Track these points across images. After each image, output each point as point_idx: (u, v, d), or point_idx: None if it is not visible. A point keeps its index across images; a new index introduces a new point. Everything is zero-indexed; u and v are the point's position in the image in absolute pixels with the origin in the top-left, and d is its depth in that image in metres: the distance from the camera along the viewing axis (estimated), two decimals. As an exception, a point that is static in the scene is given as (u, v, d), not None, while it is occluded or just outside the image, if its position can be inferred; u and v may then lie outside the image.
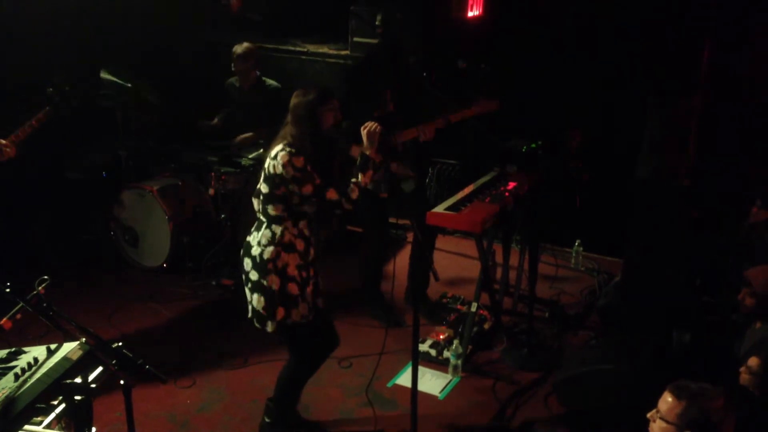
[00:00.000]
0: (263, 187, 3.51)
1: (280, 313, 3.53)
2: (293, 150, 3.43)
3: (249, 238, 3.60)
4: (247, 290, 3.61)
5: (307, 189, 3.43)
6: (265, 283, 3.51)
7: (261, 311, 3.56)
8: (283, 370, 3.86)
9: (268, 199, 3.50)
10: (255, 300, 3.57)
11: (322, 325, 3.77)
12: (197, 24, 7.43)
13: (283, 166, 3.41)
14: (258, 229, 3.57)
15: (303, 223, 3.55)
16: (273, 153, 3.47)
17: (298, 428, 3.94)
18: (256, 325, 3.63)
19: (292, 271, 3.53)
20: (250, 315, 3.65)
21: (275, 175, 3.44)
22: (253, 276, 3.55)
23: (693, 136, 4.50)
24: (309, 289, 3.61)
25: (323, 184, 3.46)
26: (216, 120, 6.06)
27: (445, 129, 4.90)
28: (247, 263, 3.57)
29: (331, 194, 3.49)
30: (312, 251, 3.64)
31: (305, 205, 3.51)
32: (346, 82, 5.06)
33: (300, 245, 3.56)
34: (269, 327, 3.58)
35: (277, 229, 3.51)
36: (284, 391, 3.84)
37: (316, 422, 4.08)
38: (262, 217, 3.57)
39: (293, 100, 3.52)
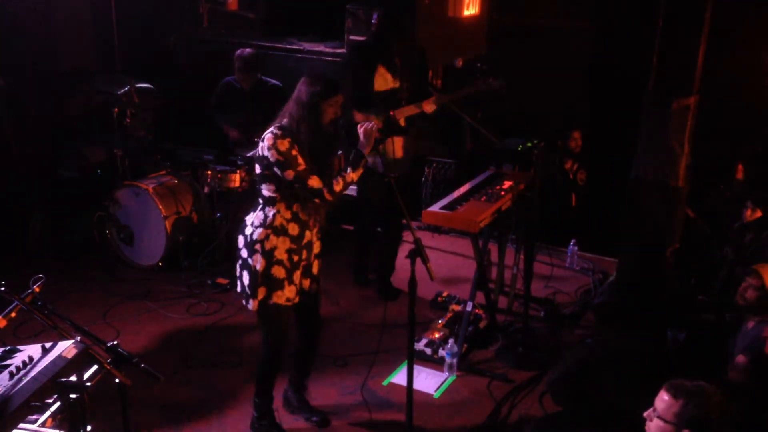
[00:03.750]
0: (257, 167, 3.55)
1: (261, 292, 3.58)
2: (279, 132, 3.44)
3: (246, 217, 3.65)
4: (237, 266, 3.67)
5: (289, 174, 3.43)
6: (250, 261, 3.57)
7: (246, 289, 3.62)
8: (257, 363, 3.91)
9: (261, 179, 3.54)
10: (243, 277, 3.63)
11: (304, 311, 3.79)
12: (193, 22, 7.42)
13: (268, 148, 3.43)
14: (255, 209, 3.61)
15: (297, 205, 3.55)
16: (264, 134, 3.50)
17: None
18: (243, 302, 3.69)
19: (280, 254, 3.54)
20: (239, 290, 3.70)
21: (263, 156, 3.48)
22: (243, 254, 3.61)
23: (689, 136, 4.51)
24: (299, 273, 3.62)
25: (306, 171, 3.44)
26: (237, 133, 5.91)
27: (444, 127, 4.91)
28: (240, 240, 3.64)
29: (314, 182, 3.46)
30: (308, 234, 3.62)
31: (293, 188, 3.50)
32: (352, 52, 5.05)
33: (293, 229, 3.56)
34: (251, 305, 3.63)
35: (270, 212, 3.54)
36: (259, 383, 3.89)
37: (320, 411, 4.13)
38: (259, 198, 3.60)
39: (300, 85, 3.52)
